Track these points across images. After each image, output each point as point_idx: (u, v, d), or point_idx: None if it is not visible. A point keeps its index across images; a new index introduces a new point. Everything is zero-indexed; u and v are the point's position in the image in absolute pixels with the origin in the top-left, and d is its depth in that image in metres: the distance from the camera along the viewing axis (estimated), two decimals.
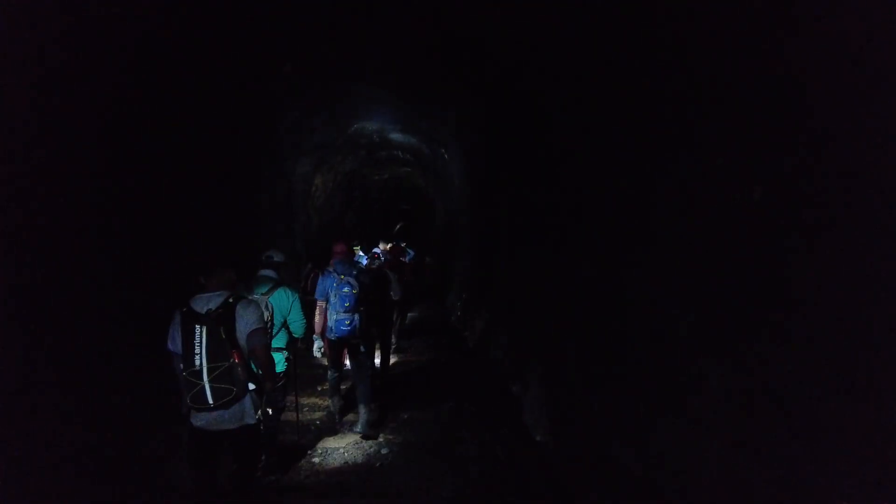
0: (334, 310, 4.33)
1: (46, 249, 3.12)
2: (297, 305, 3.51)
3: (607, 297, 3.22)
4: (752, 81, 1.94)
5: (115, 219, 3.83)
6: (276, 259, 3.63)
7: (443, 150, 10.69)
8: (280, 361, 3.39)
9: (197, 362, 2.39)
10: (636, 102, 2.85)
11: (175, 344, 2.48)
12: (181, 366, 2.44)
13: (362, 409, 4.39)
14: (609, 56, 3.19)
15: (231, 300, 2.51)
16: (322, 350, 4.69)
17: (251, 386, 2.51)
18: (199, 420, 2.46)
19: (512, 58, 4.87)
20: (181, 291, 2.63)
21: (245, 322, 2.49)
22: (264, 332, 2.60)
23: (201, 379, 2.37)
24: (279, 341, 3.43)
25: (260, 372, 2.60)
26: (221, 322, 2.43)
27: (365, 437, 4.30)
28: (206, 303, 2.49)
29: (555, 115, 4.33)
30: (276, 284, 3.46)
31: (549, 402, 4.27)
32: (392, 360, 6.75)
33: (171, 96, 4.71)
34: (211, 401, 2.38)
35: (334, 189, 13.79)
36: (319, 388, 5.63)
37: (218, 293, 2.54)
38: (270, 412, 3.22)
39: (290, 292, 3.50)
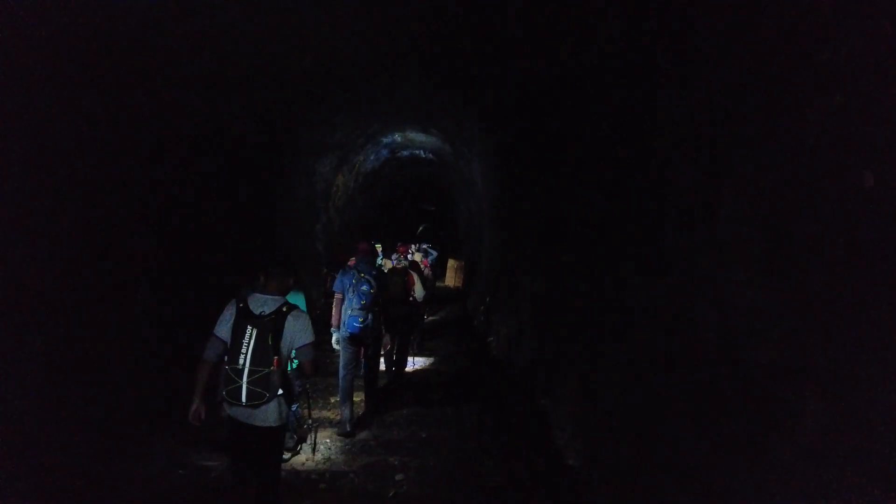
0: (349, 306, 4.41)
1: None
2: (301, 303, 3.56)
3: (660, 306, 2.74)
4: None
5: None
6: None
7: (466, 149, 10.28)
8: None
9: (241, 361, 2.48)
10: (695, 79, 2.38)
11: (223, 334, 2.55)
12: (226, 357, 2.52)
13: (344, 407, 4.42)
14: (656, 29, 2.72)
15: (284, 308, 2.57)
16: (338, 342, 4.61)
17: (279, 391, 2.55)
18: (233, 411, 2.56)
19: (542, 46, 4.44)
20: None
21: (293, 333, 2.55)
22: (313, 346, 2.63)
23: (241, 378, 2.46)
24: None
25: (295, 379, 2.76)
26: (271, 328, 2.49)
27: (343, 435, 4.35)
28: (262, 305, 2.56)
29: (591, 106, 3.88)
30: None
31: (584, 421, 3.80)
32: (411, 366, 6.38)
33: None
34: (244, 400, 2.48)
35: (356, 189, 13.52)
36: (332, 401, 5.26)
37: (274, 297, 2.61)
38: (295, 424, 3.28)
39: (295, 292, 3.54)
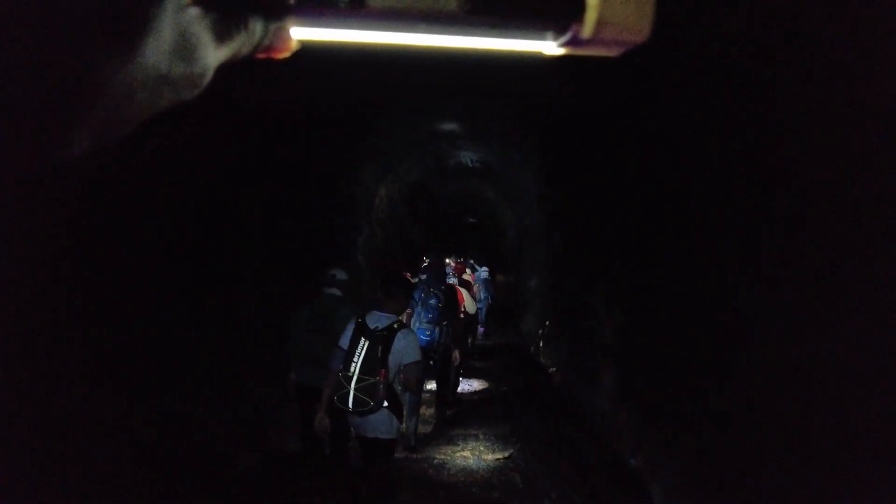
0: (418, 319, 4.61)
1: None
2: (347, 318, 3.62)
3: (814, 335, 1.77)
4: None
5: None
6: (339, 277, 3.72)
7: (518, 153, 9.41)
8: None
9: (352, 369, 2.71)
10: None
11: (344, 345, 2.81)
12: (340, 364, 2.77)
13: (409, 420, 4.31)
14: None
15: (396, 326, 2.79)
16: None
17: (385, 403, 2.71)
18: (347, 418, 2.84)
19: None
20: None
21: (402, 350, 2.74)
22: (419, 365, 2.83)
23: (350, 385, 2.69)
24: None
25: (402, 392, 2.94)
26: (381, 342, 2.71)
27: (408, 449, 4.27)
28: (377, 321, 2.81)
29: (670, 94, 2.95)
30: (341, 302, 3.58)
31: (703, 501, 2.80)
32: (464, 388, 5.55)
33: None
34: (351, 405, 2.69)
35: (399, 201, 12.86)
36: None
37: (388, 316, 2.84)
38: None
39: (351, 310, 3.54)
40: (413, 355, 2.75)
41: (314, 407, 3.19)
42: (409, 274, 6.13)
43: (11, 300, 2.33)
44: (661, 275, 3.55)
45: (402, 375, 2.77)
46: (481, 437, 4.64)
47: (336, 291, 3.61)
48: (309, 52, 0.67)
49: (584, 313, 5.43)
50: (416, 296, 4.57)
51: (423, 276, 6.42)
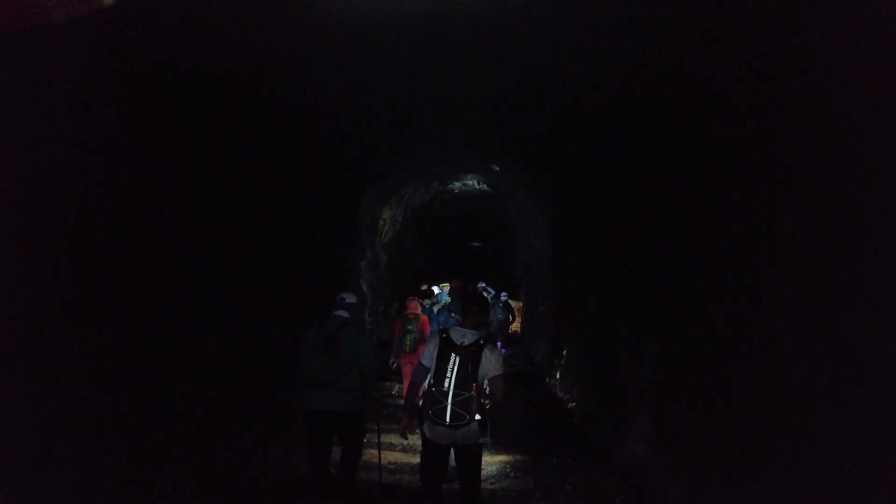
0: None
1: None
2: (367, 344, 3.63)
3: None
4: None
5: None
6: (348, 301, 3.79)
7: (528, 175, 9.04)
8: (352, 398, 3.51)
9: (446, 384, 2.83)
10: None
11: (427, 362, 2.96)
12: (431, 381, 2.91)
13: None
14: None
15: (481, 341, 2.94)
16: None
17: (477, 416, 2.86)
18: (435, 433, 2.89)
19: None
20: None
21: (488, 364, 2.89)
22: (504, 378, 2.96)
23: (447, 399, 2.81)
24: (353, 379, 3.47)
25: (487, 404, 2.97)
26: (471, 358, 2.85)
27: None
28: (462, 337, 2.95)
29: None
30: (348, 323, 3.60)
31: None
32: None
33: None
34: (448, 420, 2.80)
35: (403, 225, 12.48)
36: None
37: (471, 332, 2.99)
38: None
39: (361, 331, 3.76)
40: (498, 369, 2.91)
41: (319, 430, 3.41)
42: (417, 298, 6.09)
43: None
44: (715, 293, 3.08)
45: (488, 388, 2.91)
46: (499, 494, 3.99)
47: (344, 314, 3.66)
48: None
49: (608, 342, 4.93)
50: (442, 319, 4.67)
51: (433, 301, 6.68)
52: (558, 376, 6.71)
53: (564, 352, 6.64)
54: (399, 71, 5.59)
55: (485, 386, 2.91)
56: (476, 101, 6.84)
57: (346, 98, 6.07)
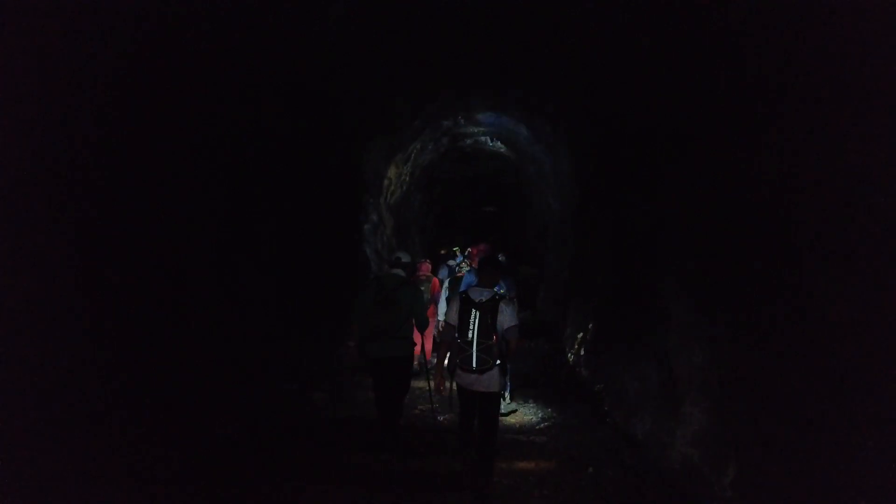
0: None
1: None
2: (420, 301, 4.09)
3: None
4: None
5: None
6: (403, 259, 4.18)
7: (549, 127, 8.09)
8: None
9: (470, 335, 3.26)
10: None
11: (453, 318, 3.37)
12: (456, 335, 3.32)
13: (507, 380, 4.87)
14: None
15: (497, 297, 3.34)
16: None
17: (497, 361, 3.28)
18: (464, 380, 3.34)
19: None
20: None
21: (504, 316, 3.28)
22: (518, 328, 3.36)
23: (472, 348, 3.24)
24: (408, 329, 4.00)
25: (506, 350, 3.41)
26: (489, 311, 3.27)
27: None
28: (479, 294, 3.34)
29: None
30: (404, 283, 4.02)
31: None
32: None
33: None
34: (475, 366, 3.24)
35: (411, 186, 11.57)
36: None
37: (487, 290, 3.38)
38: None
39: (416, 290, 4.13)
40: (512, 320, 3.29)
41: (383, 374, 3.91)
42: (429, 263, 6.51)
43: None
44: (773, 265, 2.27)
45: (504, 337, 3.30)
46: None
47: (400, 272, 4.07)
48: None
49: (650, 320, 4.14)
50: (469, 279, 4.87)
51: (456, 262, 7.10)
52: (582, 353, 5.97)
53: (591, 326, 5.88)
54: (415, 7, 4.71)
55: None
56: (497, 46, 5.89)
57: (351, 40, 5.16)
